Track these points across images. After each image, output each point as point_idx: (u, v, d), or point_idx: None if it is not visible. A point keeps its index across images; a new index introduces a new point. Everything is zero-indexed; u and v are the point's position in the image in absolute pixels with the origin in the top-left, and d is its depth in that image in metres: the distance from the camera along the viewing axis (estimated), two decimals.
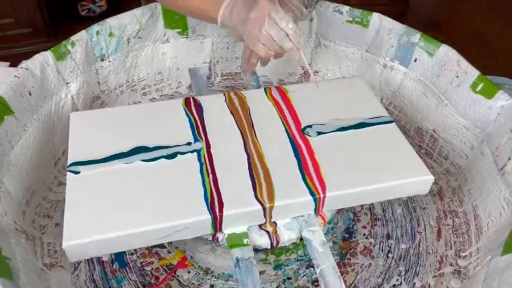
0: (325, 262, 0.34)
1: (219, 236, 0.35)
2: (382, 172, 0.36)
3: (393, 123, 0.40)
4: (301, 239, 0.36)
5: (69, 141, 0.38)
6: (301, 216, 0.36)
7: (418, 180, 0.36)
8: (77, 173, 0.35)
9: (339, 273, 0.33)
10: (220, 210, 0.33)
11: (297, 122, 0.40)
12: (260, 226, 0.36)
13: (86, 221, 0.32)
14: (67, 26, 1.03)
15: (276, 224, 0.36)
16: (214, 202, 0.34)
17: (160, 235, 0.33)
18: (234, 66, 0.56)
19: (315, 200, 0.35)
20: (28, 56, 0.43)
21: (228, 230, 0.35)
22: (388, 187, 0.36)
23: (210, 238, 0.36)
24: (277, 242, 0.36)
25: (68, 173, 0.35)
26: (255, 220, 0.35)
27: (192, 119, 0.40)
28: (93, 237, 0.31)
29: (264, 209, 0.34)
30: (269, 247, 0.36)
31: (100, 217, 0.32)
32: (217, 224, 0.34)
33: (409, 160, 0.37)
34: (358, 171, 0.36)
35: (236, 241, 0.35)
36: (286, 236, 0.36)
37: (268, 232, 0.36)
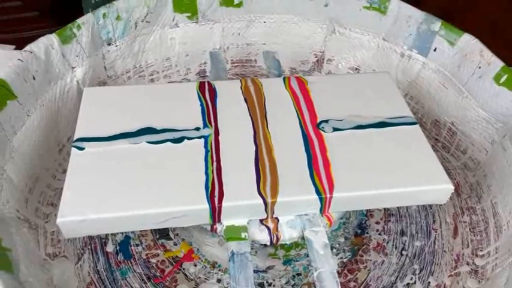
0: (325, 266, 0.32)
1: (218, 227, 0.34)
2: (397, 176, 0.34)
3: (417, 125, 0.38)
4: (303, 238, 0.35)
5: (78, 116, 0.37)
6: (306, 214, 0.35)
7: (435, 188, 0.34)
8: (81, 149, 0.35)
9: (338, 280, 0.31)
10: (220, 201, 0.32)
11: (313, 115, 0.38)
12: (261, 221, 0.34)
13: (83, 198, 0.31)
14: (75, 10, 1.01)
15: (278, 221, 0.34)
16: (214, 192, 0.32)
17: (157, 220, 0.32)
18: (245, 53, 0.54)
19: (320, 199, 0.33)
20: (35, 39, 0.41)
21: (227, 221, 0.34)
22: (402, 193, 0.34)
23: (209, 228, 0.35)
24: (277, 239, 0.34)
25: (72, 149, 0.35)
26: (255, 214, 0.34)
27: (204, 103, 0.39)
28: (88, 215, 0.31)
29: (266, 203, 0.32)
30: (268, 243, 0.35)
31: (98, 196, 0.32)
32: (215, 214, 0.32)
33: (429, 166, 0.35)
34: (371, 173, 0.34)
35: (234, 234, 0.33)
36: (288, 234, 0.34)
37: (268, 228, 0.34)
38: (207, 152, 0.35)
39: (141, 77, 0.51)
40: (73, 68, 0.43)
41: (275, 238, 0.34)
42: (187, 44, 0.52)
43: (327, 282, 0.31)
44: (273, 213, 0.34)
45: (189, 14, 0.50)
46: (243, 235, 0.33)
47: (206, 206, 0.32)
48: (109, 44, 0.47)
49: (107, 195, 0.32)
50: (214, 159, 0.35)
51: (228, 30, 0.52)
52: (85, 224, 0.31)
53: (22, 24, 1.03)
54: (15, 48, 0.60)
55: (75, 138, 0.35)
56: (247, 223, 0.34)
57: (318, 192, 0.33)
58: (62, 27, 0.43)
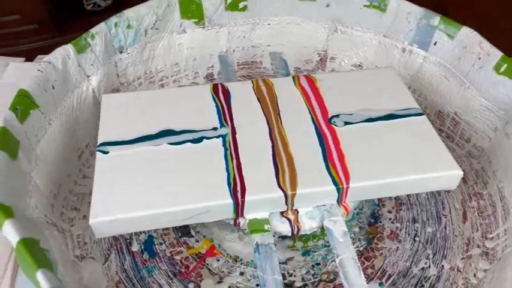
0: (345, 252, 0.34)
1: (241, 221, 0.36)
2: (409, 165, 0.36)
3: (423, 116, 0.40)
4: (322, 228, 0.36)
5: (99, 122, 0.39)
6: (324, 205, 0.36)
7: (446, 174, 0.36)
8: (105, 152, 0.36)
9: (359, 264, 0.33)
10: (243, 196, 0.34)
11: (324, 111, 0.40)
12: (282, 213, 0.36)
13: (112, 199, 0.33)
14: (73, 21, 1.03)
15: (297, 212, 0.36)
16: (237, 187, 0.34)
17: (183, 217, 0.34)
18: (250, 54, 0.56)
19: (338, 190, 0.35)
20: (35, 52, 0.42)
21: (249, 215, 0.35)
22: (415, 180, 0.35)
23: (232, 223, 0.36)
24: (298, 230, 0.36)
25: (97, 153, 0.36)
26: (276, 207, 0.35)
27: (219, 104, 0.40)
28: (118, 215, 0.32)
29: (286, 196, 0.34)
30: (289, 234, 0.36)
31: (125, 196, 0.33)
32: (239, 209, 0.34)
33: (438, 154, 0.37)
34: (384, 163, 0.36)
35: (257, 227, 0.35)
36: (308, 225, 0.36)
37: (289, 219, 0.36)
38: (226, 150, 0.37)
39: (152, 82, 0.53)
40: (88, 76, 0.45)
41: (296, 229, 0.36)
42: (194, 49, 0.54)
43: (349, 267, 0.33)
44: (293, 205, 0.35)
45: (196, 20, 0.52)
46: (266, 227, 0.35)
47: (230, 201, 0.33)
48: (121, 52, 0.48)
49: (134, 195, 0.33)
50: (234, 156, 0.36)
51: (234, 34, 0.54)
52: (115, 224, 0.32)
53: (23, 37, 1.04)
54: (25, 60, 0.61)
55: (98, 142, 0.37)
56: (269, 216, 0.35)
57: (335, 183, 0.35)
58: (61, 38, 0.44)
